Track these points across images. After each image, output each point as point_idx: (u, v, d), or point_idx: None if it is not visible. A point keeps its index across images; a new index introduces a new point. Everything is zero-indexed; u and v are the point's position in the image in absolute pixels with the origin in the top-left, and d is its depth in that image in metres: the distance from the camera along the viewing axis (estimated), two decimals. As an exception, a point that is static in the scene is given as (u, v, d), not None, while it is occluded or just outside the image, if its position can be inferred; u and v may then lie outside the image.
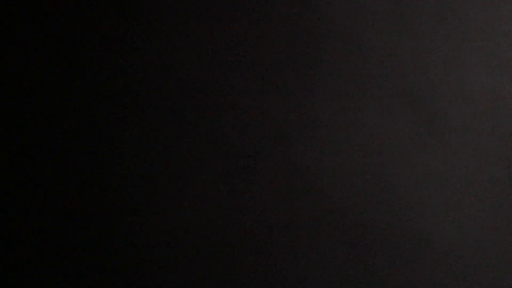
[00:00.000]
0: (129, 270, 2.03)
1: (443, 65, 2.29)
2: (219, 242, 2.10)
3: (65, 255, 1.99)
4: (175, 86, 2.12)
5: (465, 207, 2.27)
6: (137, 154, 2.07)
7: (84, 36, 2.06)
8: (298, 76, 2.19)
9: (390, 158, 2.23)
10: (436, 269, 2.23)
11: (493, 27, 2.33)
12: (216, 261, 2.09)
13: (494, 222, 2.28)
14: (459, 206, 2.26)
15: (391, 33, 2.26)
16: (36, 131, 2.00)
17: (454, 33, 2.31)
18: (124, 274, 2.03)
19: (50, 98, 2.02)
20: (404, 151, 2.24)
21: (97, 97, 2.06)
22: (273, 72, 2.18)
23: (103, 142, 2.05)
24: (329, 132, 2.20)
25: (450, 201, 2.26)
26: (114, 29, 2.09)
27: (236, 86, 2.16)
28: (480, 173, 2.28)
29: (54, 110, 2.02)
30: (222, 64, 2.15)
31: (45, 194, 1.99)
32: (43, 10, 2.04)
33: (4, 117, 1.98)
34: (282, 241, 2.14)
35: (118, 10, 2.09)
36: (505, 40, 2.33)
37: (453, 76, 2.29)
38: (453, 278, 2.24)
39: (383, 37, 2.26)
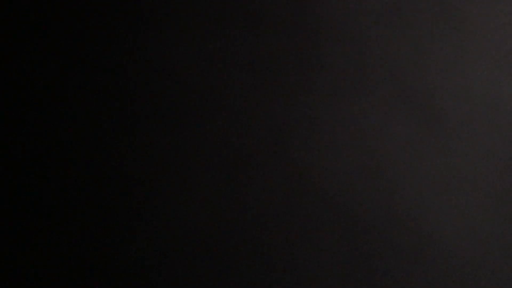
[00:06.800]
0: (129, 270, 2.03)
1: (443, 65, 2.29)
2: (219, 242, 2.10)
3: (66, 255, 1.99)
4: (175, 86, 2.12)
5: (465, 207, 2.26)
6: (137, 154, 2.07)
7: (84, 36, 2.06)
8: (298, 76, 2.19)
9: (390, 157, 2.23)
10: (436, 269, 2.23)
11: (494, 26, 2.33)
12: (216, 261, 2.09)
13: (495, 222, 2.28)
14: (460, 206, 2.26)
15: (391, 33, 2.26)
16: (37, 131, 2.00)
17: (454, 33, 2.30)
18: (125, 274, 2.03)
19: (50, 99, 2.02)
20: (404, 150, 2.24)
21: (97, 97, 2.06)
22: (273, 72, 2.18)
23: (104, 143, 2.05)
24: (329, 132, 2.20)
25: (450, 201, 2.26)
26: (114, 29, 2.09)
27: (236, 86, 2.16)
28: (481, 172, 2.28)
29: (54, 110, 2.02)
30: (222, 64, 2.15)
31: (45, 195, 1.99)
32: (43, 10, 2.04)
33: (5, 117, 1.98)
34: (282, 241, 2.14)
35: (118, 10, 2.10)
36: (505, 39, 2.33)
37: (453, 76, 2.29)
38: (454, 279, 2.24)
39: (383, 36, 2.26)
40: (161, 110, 2.10)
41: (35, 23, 2.02)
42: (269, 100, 2.17)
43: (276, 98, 2.18)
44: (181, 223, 2.08)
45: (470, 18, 2.32)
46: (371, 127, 2.23)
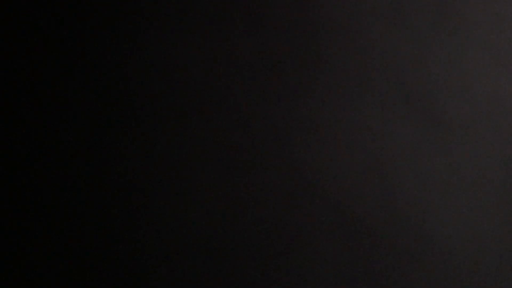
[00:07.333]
0: (129, 270, 2.03)
1: (444, 64, 2.29)
2: (219, 242, 2.10)
3: (66, 255, 1.99)
4: (175, 86, 2.12)
5: (466, 207, 2.27)
6: (137, 154, 2.07)
7: (84, 36, 2.06)
8: (298, 76, 2.19)
9: (391, 158, 2.23)
10: (437, 269, 2.23)
11: (494, 26, 2.33)
12: (216, 261, 2.09)
13: (495, 222, 2.28)
14: (460, 206, 2.26)
15: (392, 32, 2.26)
16: (37, 131, 2.00)
17: (455, 32, 2.31)
18: (124, 274, 2.03)
19: (50, 99, 2.02)
20: (405, 150, 2.24)
21: (97, 97, 2.06)
22: (273, 72, 2.18)
23: (104, 143, 2.05)
24: (329, 132, 2.20)
25: (451, 201, 2.26)
26: (114, 29, 2.09)
27: (236, 86, 2.16)
28: (481, 172, 2.28)
29: (54, 110, 2.02)
30: (222, 64, 2.15)
31: (45, 195, 1.99)
32: (43, 10, 2.04)
33: (4, 117, 1.98)
34: (282, 241, 2.14)
35: (118, 10, 2.09)
36: (506, 38, 2.33)
37: (454, 76, 2.30)
38: (454, 279, 2.24)
39: (384, 36, 2.26)
40: (161, 110, 2.10)
41: (35, 23, 2.02)
42: (269, 100, 2.17)
43: (277, 98, 2.18)
44: (181, 223, 2.08)
45: (471, 18, 2.32)
46: (372, 127, 2.23)
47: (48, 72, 2.02)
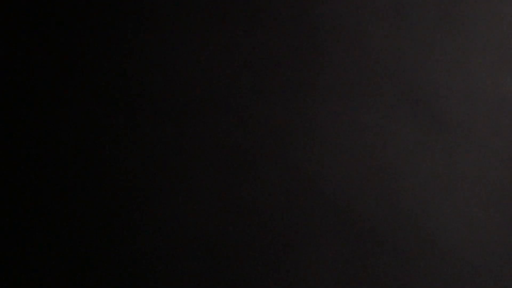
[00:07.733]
0: (129, 270, 2.03)
1: (446, 64, 2.29)
2: (219, 242, 2.10)
3: (66, 255, 1.99)
4: (175, 86, 2.12)
5: (468, 207, 2.26)
6: (137, 154, 2.07)
7: (84, 36, 2.06)
8: (299, 76, 2.19)
9: (392, 158, 2.23)
10: (438, 269, 2.23)
11: (497, 26, 2.33)
12: (216, 261, 2.09)
13: (497, 222, 2.28)
14: (462, 207, 2.26)
15: (393, 32, 2.26)
16: (37, 131, 2.00)
17: (457, 32, 2.30)
18: (124, 274, 2.03)
19: (50, 99, 2.02)
20: (406, 151, 2.24)
21: (98, 97, 2.06)
22: (273, 72, 2.18)
23: (104, 143, 2.05)
24: (330, 133, 2.20)
25: (453, 202, 2.26)
26: (114, 29, 2.09)
27: (236, 86, 2.16)
28: (483, 173, 2.28)
29: (54, 110, 2.02)
30: (222, 64, 2.15)
31: (45, 195, 1.99)
32: (43, 10, 2.04)
33: (4, 117, 1.98)
34: (282, 241, 2.14)
35: (118, 10, 2.09)
36: (508, 39, 2.33)
37: (456, 76, 2.29)
38: (456, 279, 2.24)
39: (385, 36, 2.26)
40: (161, 110, 2.10)
41: (35, 23, 2.02)
42: (269, 100, 2.17)
43: (277, 98, 2.18)
44: (181, 223, 2.08)
45: (473, 17, 2.32)
46: (373, 127, 2.23)
47: (48, 72, 2.02)
